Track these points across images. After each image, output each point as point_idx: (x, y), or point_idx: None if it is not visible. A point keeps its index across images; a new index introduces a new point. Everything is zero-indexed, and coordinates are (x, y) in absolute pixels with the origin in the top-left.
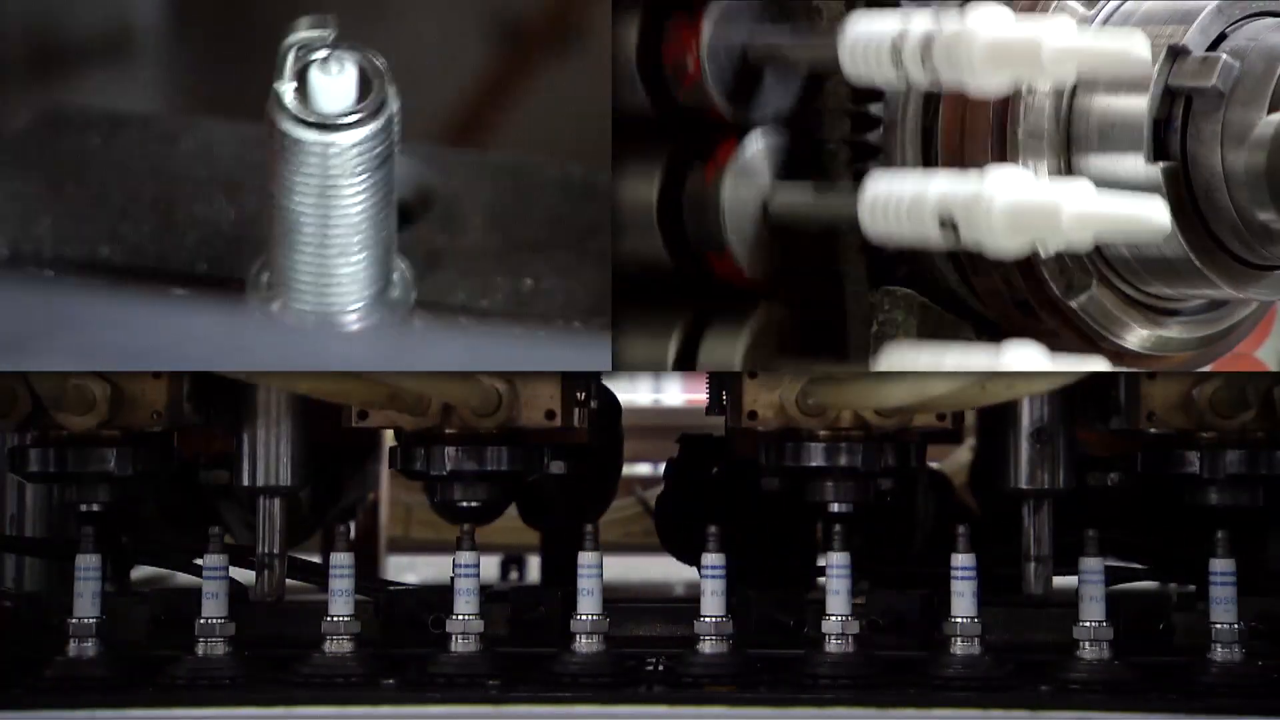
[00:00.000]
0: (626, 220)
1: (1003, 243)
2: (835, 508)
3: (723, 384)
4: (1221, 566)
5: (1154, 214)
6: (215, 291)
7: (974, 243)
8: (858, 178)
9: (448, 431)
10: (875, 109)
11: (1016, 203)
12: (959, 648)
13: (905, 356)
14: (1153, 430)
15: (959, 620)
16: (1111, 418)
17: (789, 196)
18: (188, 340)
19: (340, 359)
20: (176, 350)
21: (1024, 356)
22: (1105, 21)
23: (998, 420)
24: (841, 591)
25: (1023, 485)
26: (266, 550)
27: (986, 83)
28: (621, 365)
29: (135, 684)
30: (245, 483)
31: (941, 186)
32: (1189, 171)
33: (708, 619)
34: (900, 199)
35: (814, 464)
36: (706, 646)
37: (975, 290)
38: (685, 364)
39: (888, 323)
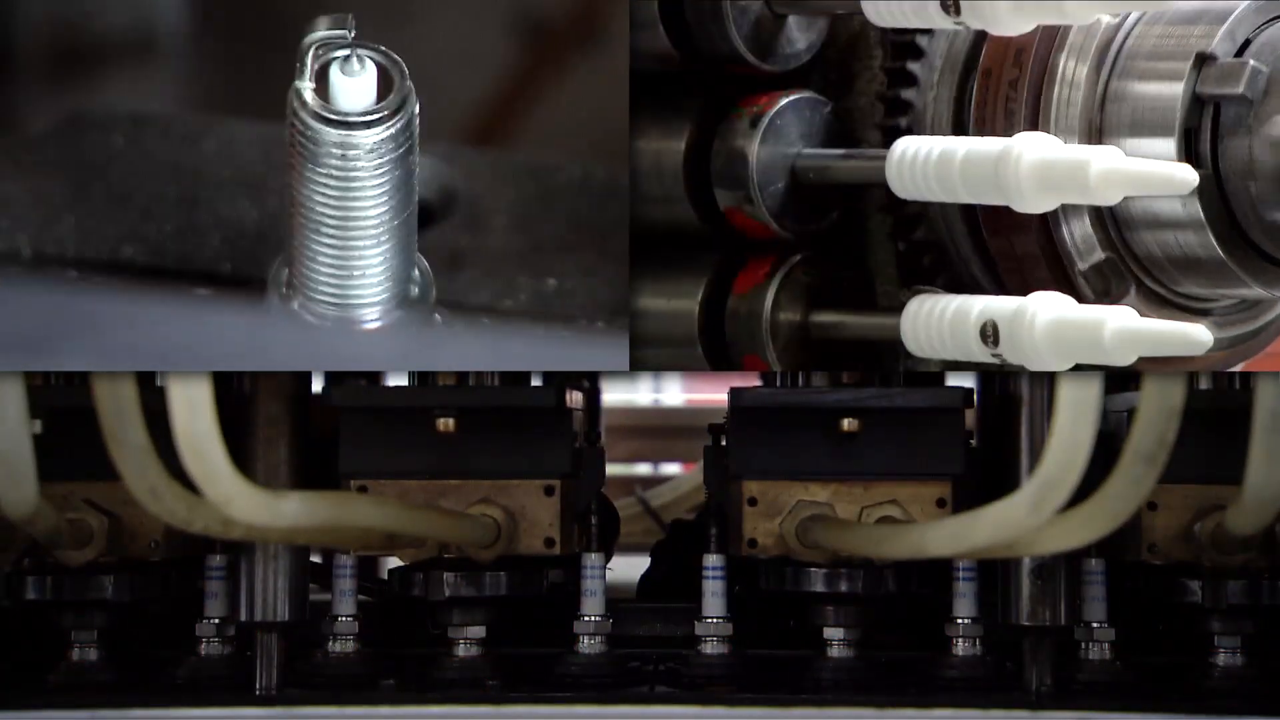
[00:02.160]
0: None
1: (1030, 201)
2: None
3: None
4: None
5: (1181, 172)
6: (238, 291)
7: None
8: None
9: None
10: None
11: (1045, 160)
12: (960, 648)
13: (933, 307)
14: (1155, 562)
15: (961, 621)
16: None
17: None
18: (209, 340)
19: (360, 358)
20: (198, 350)
21: (1050, 302)
22: (1135, 25)
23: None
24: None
25: (1024, 622)
26: (265, 685)
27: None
28: (639, 365)
29: (136, 684)
30: (243, 618)
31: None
32: (1220, 172)
33: (708, 620)
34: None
35: (814, 590)
36: (707, 647)
37: (1006, 289)
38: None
39: None
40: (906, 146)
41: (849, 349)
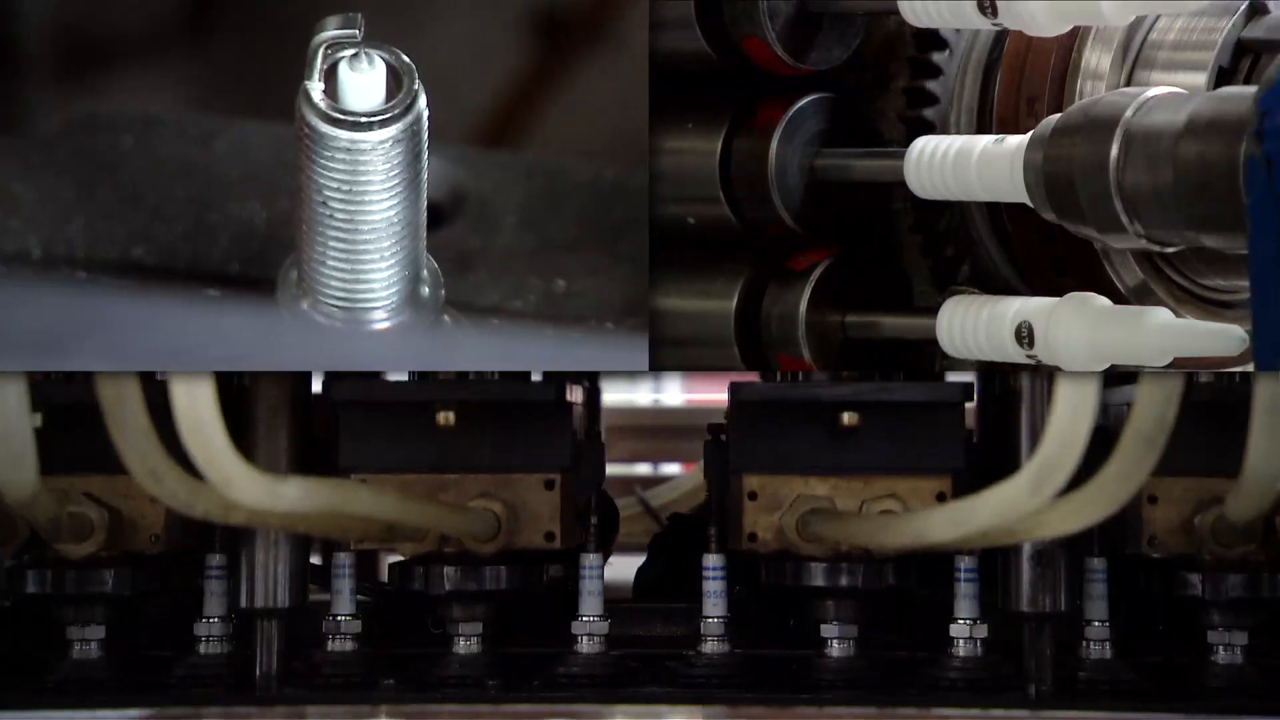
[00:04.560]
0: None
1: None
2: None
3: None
4: None
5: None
6: (248, 292)
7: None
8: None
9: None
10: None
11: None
12: (960, 648)
13: (968, 308)
14: (1154, 555)
15: (961, 621)
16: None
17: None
18: (219, 341)
19: (372, 360)
20: (208, 351)
21: (1085, 302)
22: (1158, 16)
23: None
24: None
25: (1024, 608)
26: (264, 672)
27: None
28: (658, 365)
29: (137, 683)
30: (243, 604)
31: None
32: None
33: (708, 620)
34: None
35: (813, 584)
36: (707, 647)
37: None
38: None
39: None
40: (924, 145)
41: (885, 349)
